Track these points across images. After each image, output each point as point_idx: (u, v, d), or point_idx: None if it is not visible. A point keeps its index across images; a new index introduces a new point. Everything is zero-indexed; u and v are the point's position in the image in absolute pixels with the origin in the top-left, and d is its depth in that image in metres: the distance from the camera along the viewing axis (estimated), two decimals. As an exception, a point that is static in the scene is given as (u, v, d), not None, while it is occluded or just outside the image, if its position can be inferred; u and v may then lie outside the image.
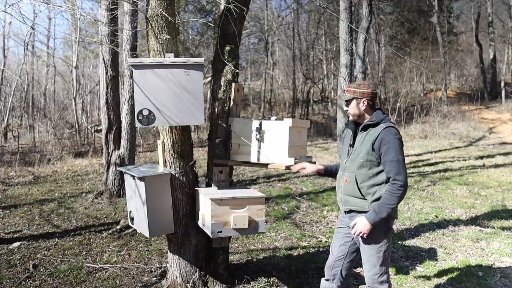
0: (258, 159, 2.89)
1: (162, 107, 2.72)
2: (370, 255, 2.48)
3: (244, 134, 2.96)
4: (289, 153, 2.77)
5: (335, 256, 2.64)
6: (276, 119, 2.91)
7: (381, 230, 2.43)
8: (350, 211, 2.53)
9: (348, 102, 2.56)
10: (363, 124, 2.52)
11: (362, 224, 2.39)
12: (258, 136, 2.87)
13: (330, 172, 2.83)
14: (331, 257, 2.69)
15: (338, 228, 2.68)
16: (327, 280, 2.70)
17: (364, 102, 2.49)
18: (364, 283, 3.51)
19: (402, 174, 2.33)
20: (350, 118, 2.60)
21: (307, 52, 22.16)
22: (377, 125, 2.45)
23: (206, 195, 2.77)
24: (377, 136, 2.40)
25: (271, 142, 2.84)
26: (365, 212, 2.43)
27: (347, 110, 2.60)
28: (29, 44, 15.92)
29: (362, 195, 2.43)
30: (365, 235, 2.41)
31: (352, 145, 2.58)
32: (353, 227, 2.46)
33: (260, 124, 2.87)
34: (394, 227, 5.01)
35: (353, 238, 2.57)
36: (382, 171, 2.41)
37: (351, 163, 2.51)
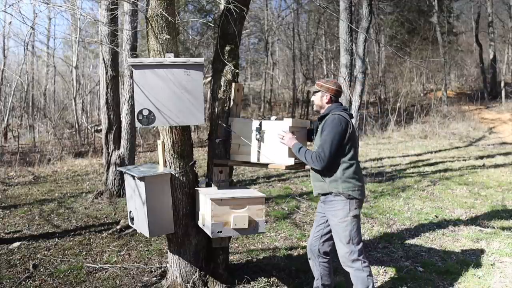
0: (258, 159, 2.91)
1: (162, 107, 2.72)
2: (338, 234, 2.74)
3: (244, 134, 2.97)
4: (289, 153, 2.81)
5: (312, 236, 2.97)
6: (276, 119, 2.93)
7: (345, 209, 2.69)
8: (318, 195, 2.86)
9: (314, 93, 2.92)
10: (320, 116, 2.87)
11: (287, 138, 2.76)
12: (258, 136, 2.90)
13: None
14: (309, 238, 3.01)
15: (317, 212, 2.99)
16: (309, 259, 3.01)
17: (327, 96, 2.85)
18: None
19: (324, 151, 2.63)
20: (314, 108, 2.95)
21: (307, 52, 22.16)
22: (327, 115, 2.78)
23: (206, 195, 2.77)
24: (323, 124, 2.73)
25: (271, 142, 2.86)
26: (327, 193, 2.75)
27: (313, 101, 2.93)
28: (29, 44, 15.92)
29: (322, 178, 2.76)
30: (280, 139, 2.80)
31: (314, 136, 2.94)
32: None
33: (260, 124, 2.90)
34: (394, 226, 5.03)
35: (327, 220, 2.84)
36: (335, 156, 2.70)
37: None
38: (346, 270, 2.79)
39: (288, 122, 2.82)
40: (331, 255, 2.95)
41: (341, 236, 2.71)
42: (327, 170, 2.71)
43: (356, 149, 2.78)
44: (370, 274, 2.73)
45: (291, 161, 2.80)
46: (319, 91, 2.87)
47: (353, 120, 2.81)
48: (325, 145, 2.64)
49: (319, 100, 2.88)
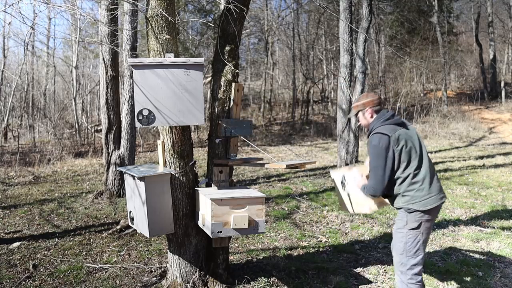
0: (352, 209, 2.96)
1: (162, 107, 2.72)
2: (395, 243, 2.68)
3: (338, 186, 3.07)
4: (378, 205, 2.82)
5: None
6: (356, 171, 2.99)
7: (403, 220, 2.60)
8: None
9: (356, 117, 2.83)
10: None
11: (359, 183, 2.76)
12: (345, 188, 2.99)
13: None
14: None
15: None
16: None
17: (368, 110, 2.71)
18: (364, 283, 3.52)
19: (373, 179, 2.58)
20: (366, 130, 2.81)
21: (307, 52, 22.15)
22: (370, 133, 2.68)
23: (206, 195, 2.77)
24: (368, 146, 2.67)
25: (354, 191, 2.90)
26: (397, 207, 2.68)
27: (360, 124, 2.86)
28: (29, 44, 15.92)
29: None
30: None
31: None
32: None
33: (344, 177, 2.99)
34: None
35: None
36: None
37: None
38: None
39: (354, 171, 2.86)
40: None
41: (396, 245, 2.65)
42: (386, 190, 2.62)
43: (411, 158, 2.56)
44: None
45: (375, 207, 2.81)
46: (358, 112, 2.76)
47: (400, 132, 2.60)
48: (372, 174, 2.57)
49: (363, 119, 2.75)
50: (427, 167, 2.58)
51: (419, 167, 2.56)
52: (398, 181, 2.57)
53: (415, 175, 2.54)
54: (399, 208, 2.63)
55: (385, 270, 3.73)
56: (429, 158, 2.64)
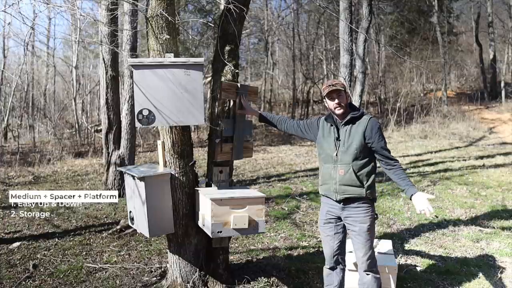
0: None
1: (161, 107, 2.72)
2: (366, 240, 2.64)
3: None
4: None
5: (334, 244, 2.80)
6: None
7: (372, 214, 2.67)
8: (345, 200, 2.67)
9: (339, 93, 2.66)
10: (348, 117, 2.64)
11: (422, 201, 2.52)
12: None
13: (265, 119, 3.14)
14: (330, 247, 2.82)
15: (328, 219, 2.82)
16: (331, 268, 2.86)
17: (349, 95, 2.86)
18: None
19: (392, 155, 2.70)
20: (338, 110, 2.66)
21: (307, 52, 22.13)
22: (361, 117, 2.66)
23: (206, 195, 2.77)
24: (366, 126, 2.61)
25: None
26: (362, 197, 2.62)
27: (338, 102, 2.65)
28: (29, 44, 15.89)
29: (360, 182, 2.61)
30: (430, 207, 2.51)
31: (338, 139, 2.69)
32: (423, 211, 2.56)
33: None
34: (394, 226, 5.04)
35: (344, 226, 2.77)
36: (370, 159, 2.65)
37: (343, 155, 2.64)
38: (363, 275, 2.73)
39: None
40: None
41: (369, 241, 2.66)
42: (369, 174, 2.65)
43: None
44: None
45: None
46: (344, 90, 2.68)
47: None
48: (389, 151, 2.68)
49: (345, 100, 2.68)
50: None
51: None
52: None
53: None
54: (366, 201, 2.67)
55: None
56: None
